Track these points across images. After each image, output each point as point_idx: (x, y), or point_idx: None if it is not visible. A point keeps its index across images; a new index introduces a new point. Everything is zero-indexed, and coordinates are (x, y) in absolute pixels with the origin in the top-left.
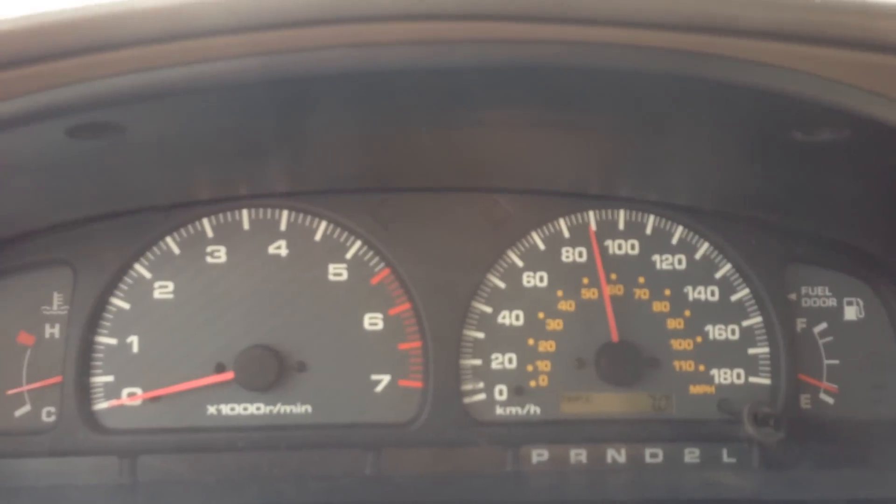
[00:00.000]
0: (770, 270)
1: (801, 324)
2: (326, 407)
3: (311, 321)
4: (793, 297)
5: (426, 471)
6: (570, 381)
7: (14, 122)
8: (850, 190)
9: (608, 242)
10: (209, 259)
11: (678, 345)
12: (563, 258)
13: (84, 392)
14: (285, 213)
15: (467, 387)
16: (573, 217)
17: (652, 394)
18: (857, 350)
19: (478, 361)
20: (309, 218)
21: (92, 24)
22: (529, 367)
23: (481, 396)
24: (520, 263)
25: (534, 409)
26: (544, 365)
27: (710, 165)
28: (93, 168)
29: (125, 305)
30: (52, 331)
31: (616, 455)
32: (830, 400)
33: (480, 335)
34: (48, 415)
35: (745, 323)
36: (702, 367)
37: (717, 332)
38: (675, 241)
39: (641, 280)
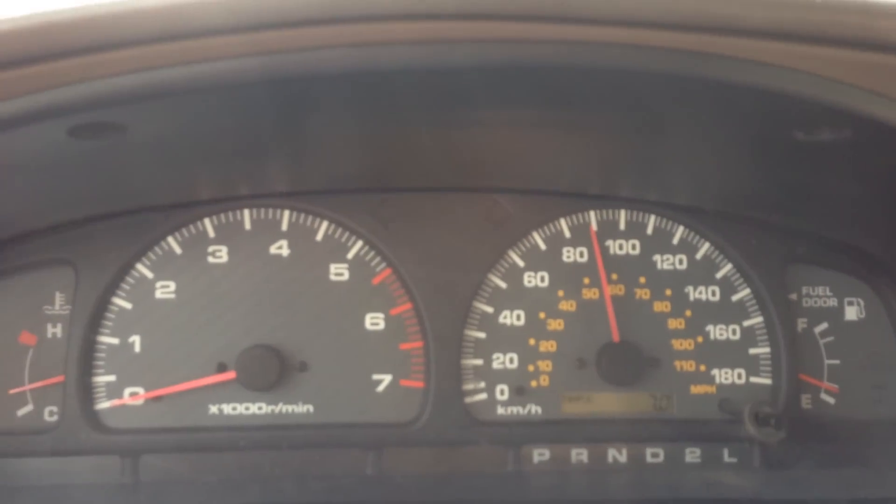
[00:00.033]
0: (771, 270)
1: (801, 324)
2: (328, 407)
3: (312, 321)
4: (793, 297)
5: (427, 470)
6: (571, 380)
7: (15, 122)
8: (851, 190)
9: (609, 242)
10: (211, 259)
11: (679, 345)
12: (564, 258)
13: (86, 392)
14: (286, 213)
15: (468, 387)
16: (574, 217)
17: (653, 394)
18: (857, 350)
19: (479, 361)
20: (310, 218)
21: (92, 24)
22: (530, 367)
23: (482, 396)
24: (521, 263)
25: (535, 409)
26: (545, 365)
27: (711, 165)
28: (94, 168)
29: (127, 305)
30: (55, 330)
31: (617, 455)
32: (831, 400)
33: (482, 335)
34: (50, 414)
35: (746, 323)
36: (703, 367)
37: (717, 332)
38: (675, 241)
39: (642, 280)
